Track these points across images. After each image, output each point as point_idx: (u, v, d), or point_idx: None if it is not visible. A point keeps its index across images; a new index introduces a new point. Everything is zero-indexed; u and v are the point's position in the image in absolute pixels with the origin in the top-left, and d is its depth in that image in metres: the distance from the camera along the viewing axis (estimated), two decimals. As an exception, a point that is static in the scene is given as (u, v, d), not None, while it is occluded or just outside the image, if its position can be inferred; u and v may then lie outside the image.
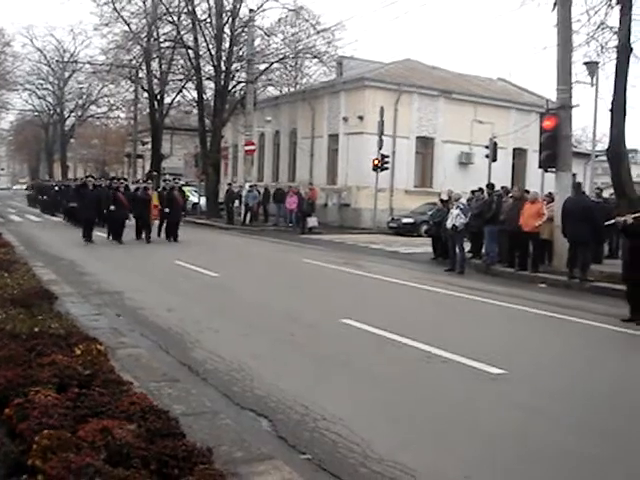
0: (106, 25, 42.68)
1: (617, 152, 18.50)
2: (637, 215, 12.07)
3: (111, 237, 24.38)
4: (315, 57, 41.11)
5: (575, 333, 11.36)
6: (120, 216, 23.95)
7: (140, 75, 46.10)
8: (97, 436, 4.29)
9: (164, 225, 25.81)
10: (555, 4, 18.57)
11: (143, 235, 24.78)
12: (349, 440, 5.81)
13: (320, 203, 36.51)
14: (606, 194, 23.70)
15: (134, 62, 44.73)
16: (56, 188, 41.28)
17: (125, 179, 27.69)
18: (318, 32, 39.38)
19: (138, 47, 43.30)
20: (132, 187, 27.70)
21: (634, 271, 12.09)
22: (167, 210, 25.28)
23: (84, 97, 66.67)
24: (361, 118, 35.97)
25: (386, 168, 34.20)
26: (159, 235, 25.53)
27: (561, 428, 6.40)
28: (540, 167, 19.66)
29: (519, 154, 40.34)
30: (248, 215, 34.76)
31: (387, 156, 34.29)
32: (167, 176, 39.05)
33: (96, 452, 4.10)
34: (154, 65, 45.26)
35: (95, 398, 5.08)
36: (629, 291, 12.35)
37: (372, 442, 5.75)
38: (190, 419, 5.52)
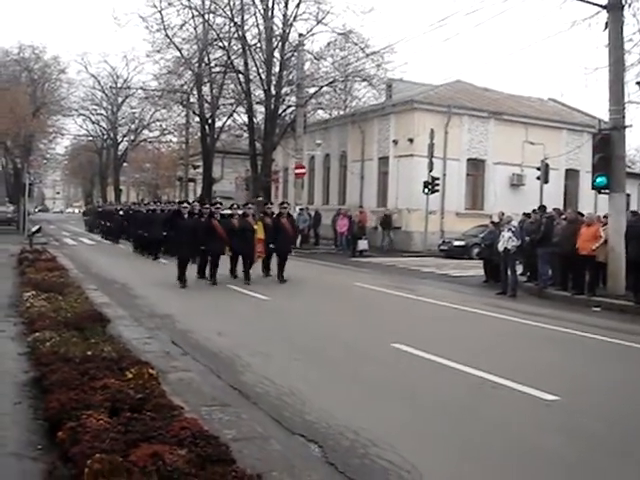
0: (158, 51, 43.27)
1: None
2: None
3: (200, 275, 19.90)
4: (364, 80, 41.13)
5: (632, 359, 11.12)
6: (216, 250, 19.09)
7: (191, 100, 46.68)
8: (148, 461, 4.30)
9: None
10: (607, 24, 18.37)
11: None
12: (400, 467, 5.75)
13: (370, 226, 36.42)
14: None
15: (185, 87, 45.27)
16: (121, 213, 37.30)
17: (221, 203, 21.92)
18: (367, 55, 39.42)
19: (189, 72, 43.85)
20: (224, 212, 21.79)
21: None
22: (272, 245, 20.10)
23: (136, 122, 67.82)
24: (411, 141, 35.90)
25: (436, 190, 34.05)
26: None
27: (615, 456, 6.26)
28: (593, 189, 19.39)
29: (571, 175, 39.85)
30: (299, 238, 34.77)
31: (437, 178, 34.14)
32: (218, 199, 38.56)
33: (147, 477, 4.12)
34: (205, 90, 45.75)
35: (146, 422, 5.11)
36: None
37: (423, 470, 5.68)
38: (240, 444, 5.52)
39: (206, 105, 46.33)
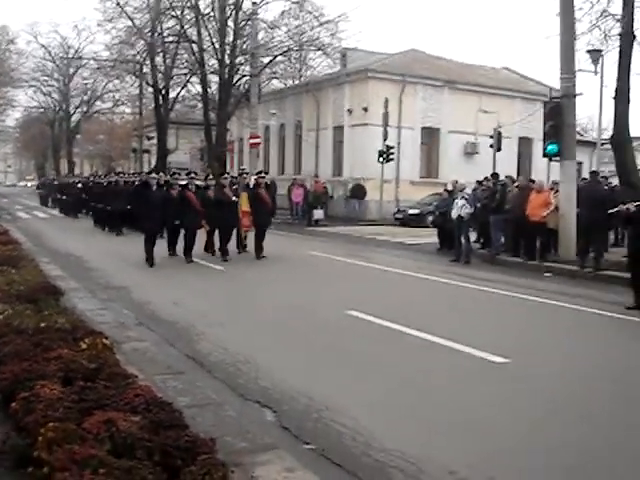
0: (109, 21, 42.82)
1: (621, 140, 18.53)
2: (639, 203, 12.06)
3: (171, 252, 18.52)
4: (319, 49, 41.11)
5: (579, 321, 11.37)
6: (191, 225, 17.80)
7: (144, 70, 46.22)
8: (101, 428, 4.34)
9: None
10: (558, -8, 18.52)
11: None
12: (353, 430, 5.86)
13: (335, 195, 36.52)
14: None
15: (138, 57, 44.84)
16: (80, 185, 35.14)
17: (196, 173, 20.77)
18: (321, 24, 39.40)
19: (142, 42, 43.44)
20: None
21: (636, 256, 12.13)
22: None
23: (89, 93, 66.73)
24: (365, 110, 35.96)
25: (391, 159, 34.18)
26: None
27: (561, 414, 6.45)
28: (544, 156, 19.64)
29: (525, 143, 40.24)
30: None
31: (392, 147, 34.27)
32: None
33: (100, 444, 4.16)
34: (158, 60, 45.31)
35: (100, 391, 5.14)
36: (633, 278, 12.36)
37: (375, 432, 5.80)
38: (194, 411, 5.59)
39: (159, 75, 45.90)
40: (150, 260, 16.52)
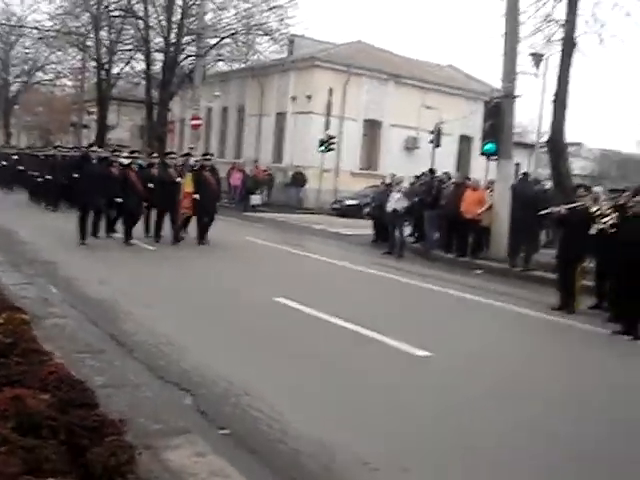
0: (54, -11, 41.76)
1: (557, 143, 18.84)
2: (571, 206, 12.29)
3: (109, 232, 17.81)
4: (266, 34, 40.71)
5: (503, 319, 11.56)
6: (133, 206, 16.82)
7: (88, 43, 45.21)
8: (9, 404, 4.24)
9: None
10: (504, -6, 18.70)
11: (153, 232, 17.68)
12: (270, 417, 5.84)
13: (276, 182, 36.43)
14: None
15: (82, 30, 43.87)
16: (15, 157, 33.68)
17: (139, 152, 20.10)
18: (270, 9, 39.09)
19: (87, 14, 42.48)
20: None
21: (565, 258, 12.39)
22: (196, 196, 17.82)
23: (30, 63, 65.17)
24: (309, 98, 35.88)
25: (332, 149, 34.18)
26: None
27: (477, 407, 6.53)
28: (482, 154, 19.85)
29: (465, 141, 40.67)
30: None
31: (334, 137, 34.28)
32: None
33: (5, 420, 4.05)
34: (103, 34, 44.36)
35: (11, 367, 5.02)
36: (560, 280, 12.60)
37: (292, 420, 5.80)
38: (110, 390, 5.51)
39: (103, 50, 45.01)
40: (83, 237, 15.82)
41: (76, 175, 16.88)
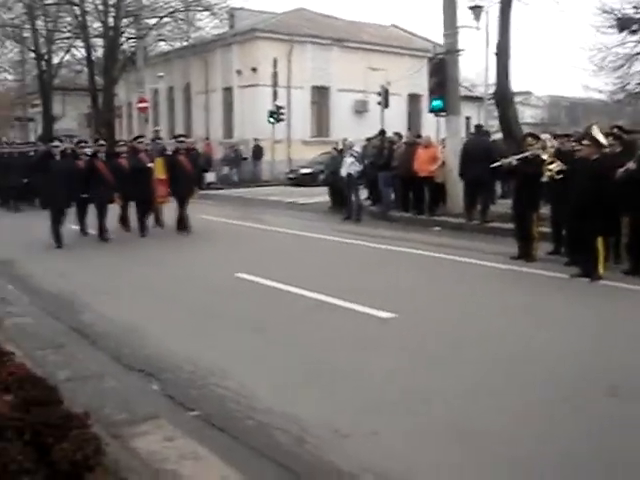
0: (-17, -18, 40.84)
1: (503, 94, 18.95)
2: (521, 156, 12.40)
3: (83, 231, 16.37)
4: (206, 9, 40.22)
5: (464, 273, 11.64)
6: (102, 199, 15.62)
7: (25, 35, 44.39)
8: (-30, 409, 4.21)
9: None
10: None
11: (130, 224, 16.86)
12: (238, 394, 5.86)
13: (217, 158, 36.16)
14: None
15: (17, 21, 43.01)
16: None
17: (86, 141, 18.58)
18: (207, -18, 38.64)
19: (20, 4, 41.65)
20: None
21: (520, 208, 12.51)
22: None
23: (-33, 59, 64.04)
24: (254, 70, 35.65)
25: (282, 119, 34.05)
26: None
27: (442, 367, 6.61)
28: (430, 112, 19.90)
29: (414, 100, 40.65)
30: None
31: (282, 107, 34.12)
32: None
33: (-33, 426, 4.02)
34: (39, 24, 43.51)
35: (-30, 370, 4.98)
36: (517, 229, 12.73)
37: (260, 395, 5.82)
38: (74, 384, 5.48)
39: (41, 40, 44.22)
40: (59, 241, 14.64)
41: (38, 176, 16.05)
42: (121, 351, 7.17)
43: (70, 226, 15.76)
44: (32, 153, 23.99)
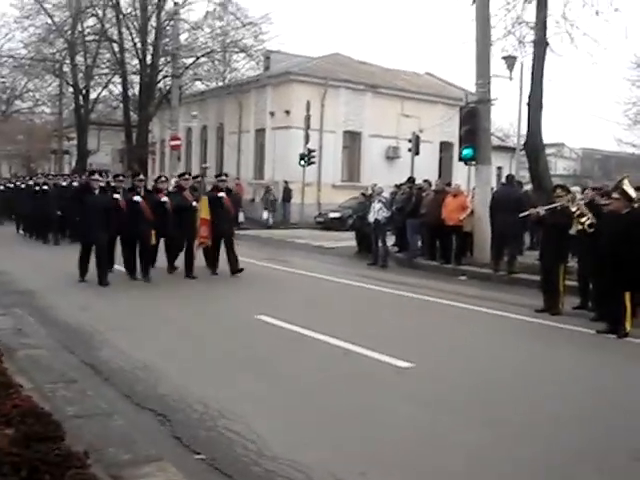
0: (27, 17, 41.71)
1: (534, 145, 18.82)
2: (550, 207, 12.26)
3: (131, 274, 15.05)
4: (242, 51, 40.79)
5: (488, 324, 11.45)
6: (147, 237, 14.82)
7: (65, 69, 45.23)
8: (-31, 442, 4.12)
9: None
10: (474, -2, 18.72)
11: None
12: (246, 439, 5.71)
13: (247, 198, 36.29)
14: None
15: (58, 56, 43.82)
16: (1, 188, 32.70)
17: (124, 175, 18.32)
18: (244, 25, 39.15)
19: (61, 40, 42.49)
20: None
21: (547, 260, 12.34)
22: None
23: (8, 92, 65.06)
24: (288, 112, 35.85)
25: (313, 162, 34.12)
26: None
27: (460, 416, 6.43)
28: (460, 160, 19.81)
29: (446, 148, 40.61)
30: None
31: (314, 150, 34.20)
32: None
33: (-33, 459, 3.94)
34: (79, 59, 44.37)
35: (-24, 402, 4.91)
36: (543, 282, 12.54)
37: (269, 441, 5.67)
38: (81, 421, 5.37)
39: (80, 75, 45.02)
40: (83, 274, 14.28)
41: (75, 210, 15.46)
42: (134, 389, 7.07)
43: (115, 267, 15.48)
44: (65, 185, 23.99)
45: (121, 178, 16.47)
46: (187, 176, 17.05)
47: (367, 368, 8.12)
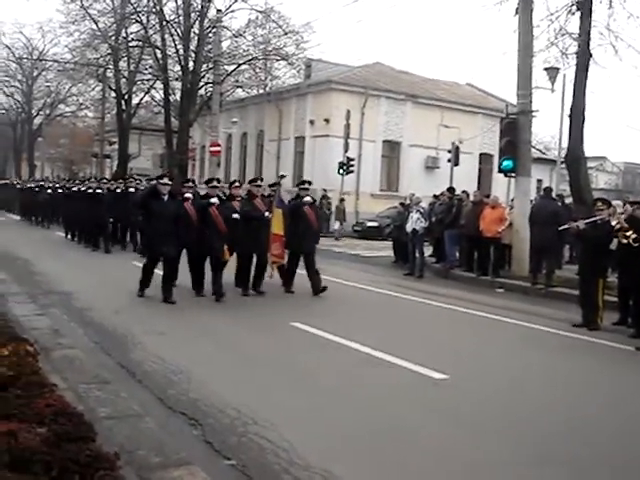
0: (73, 23, 42.27)
1: (575, 158, 18.61)
2: (590, 221, 12.09)
3: (198, 291, 13.66)
4: (283, 59, 40.93)
5: (524, 338, 11.29)
6: (217, 250, 13.22)
7: (108, 74, 45.70)
8: (1, 440, 4.13)
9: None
10: (517, 9, 18.59)
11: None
12: (277, 445, 5.67)
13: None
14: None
15: (101, 61, 44.31)
16: (49, 191, 31.13)
17: (194, 181, 16.84)
18: (286, 33, 39.29)
19: (105, 46, 42.95)
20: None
21: (586, 274, 12.15)
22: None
23: (52, 96, 65.91)
24: (327, 121, 35.97)
25: (352, 171, 34.14)
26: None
27: (492, 429, 6.35)
28: (499, 172, 19.66)
29: (485, 159, 40.48)
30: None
31: (353, 159, 34.23)
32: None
33: (-1, 457, 3.95)
34: (122, 64, 44.83)
35: (10, 400, 4.93)
36: (582, 296, 12.37)
37: (301, 449, 5.61)
38: (112, 422, 5.39)
39: (123, 80, 45.47)
40: (143, 289, 13.12)
41: (143, 217, 13.89)
42: (167, 392, 7.07)
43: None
44: (120, 191, 22.68)
45: (190, 184, 14.77)
46: (259, 182, 14.95)
47: (402, 378, 8.04)
